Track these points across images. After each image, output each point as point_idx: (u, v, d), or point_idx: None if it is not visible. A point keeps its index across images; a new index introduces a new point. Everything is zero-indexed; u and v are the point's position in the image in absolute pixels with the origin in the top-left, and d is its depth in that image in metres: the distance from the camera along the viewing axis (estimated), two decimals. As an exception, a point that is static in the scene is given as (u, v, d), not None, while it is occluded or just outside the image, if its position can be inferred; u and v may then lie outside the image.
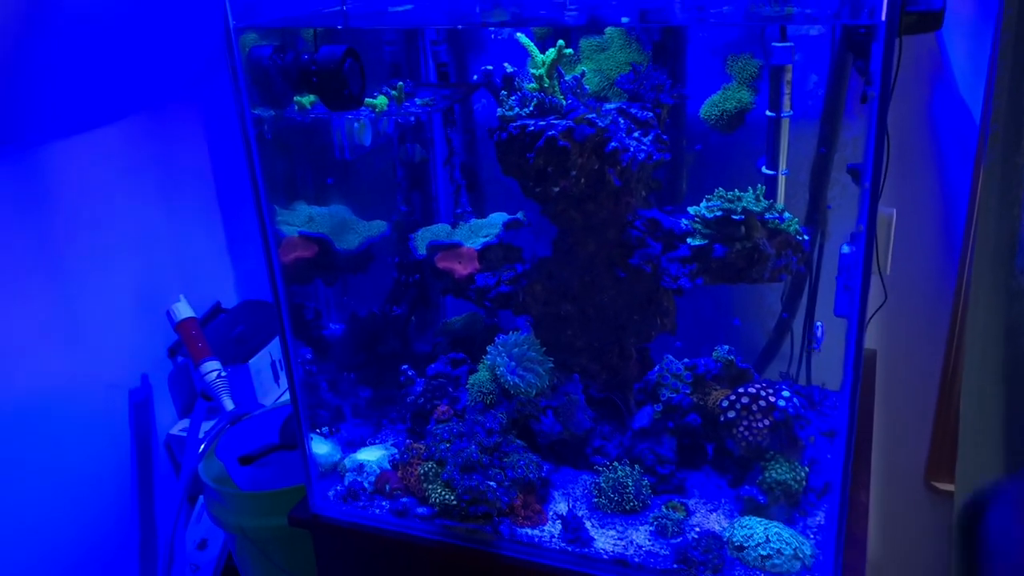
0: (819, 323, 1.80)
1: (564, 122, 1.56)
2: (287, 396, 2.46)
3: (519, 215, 1.95)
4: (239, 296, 2.85)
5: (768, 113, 1.71)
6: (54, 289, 2.14)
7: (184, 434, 2.44)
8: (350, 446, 1.92)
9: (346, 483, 1.79)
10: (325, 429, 1.90)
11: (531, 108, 1.60)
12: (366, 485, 1.78)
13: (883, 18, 1.13)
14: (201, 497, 2.41)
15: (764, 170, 1.76)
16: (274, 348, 2.61)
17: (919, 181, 2.07)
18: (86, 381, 2.25)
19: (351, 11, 1.72)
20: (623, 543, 1.59)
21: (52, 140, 2.10)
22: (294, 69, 1.60)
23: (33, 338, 2.08)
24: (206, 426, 2.35)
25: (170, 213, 2.54)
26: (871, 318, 2.16)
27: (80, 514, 2.25)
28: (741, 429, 1.62)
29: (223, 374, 2.37)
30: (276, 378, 2.65)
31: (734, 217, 1.62)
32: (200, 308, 2.60)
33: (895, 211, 2.04)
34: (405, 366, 1.91)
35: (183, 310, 2.41)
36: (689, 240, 1.69)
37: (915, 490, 2.39)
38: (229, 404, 2.34)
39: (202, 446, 2.24)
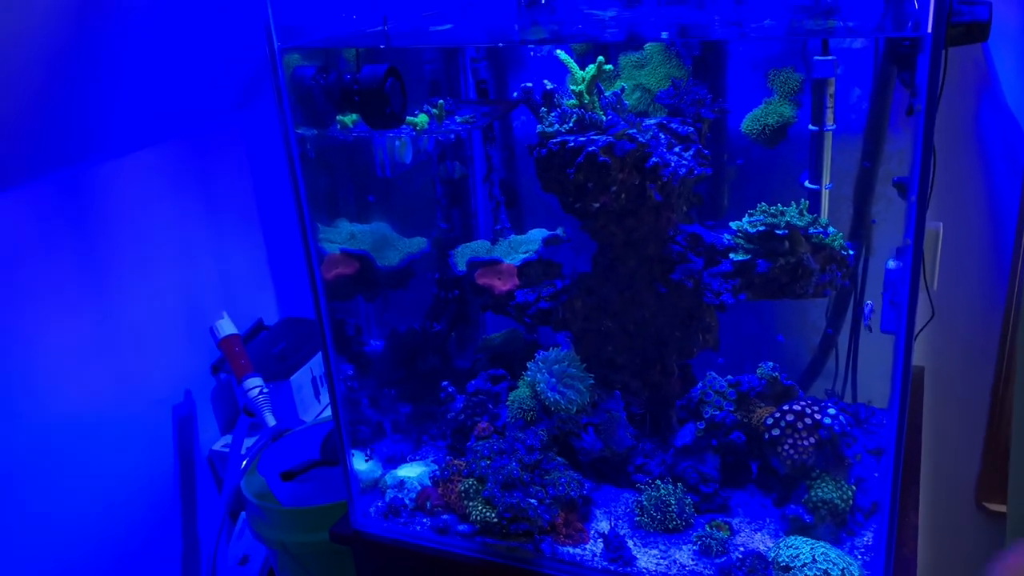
0: (869, 302, 1.74)
1: (604, 138, 1.56)
2: (328, 412, 2.48)
3: (559, 231, 1.95)
4: (281, 313, 2.88)
5: (811, 127, 1.69)
6: (100, 306, 2.18)
7: (227, 450, 2.46)
8: (391, 462, 1.92)
9: (387, 499, 1.80)
10: (368, 450, 1.90)
11: (571, 124, 1.60)
12: (407, 502, 1.78)
13: (929, 31, 1.12)
14: (243, 513, 2.43)
15: (807, 184, 1.74)
16: (315, 364, 2.63)
17: (966, 194, 2.03)
18: (131, 397, 2.29)
19: (392, 31, 1.74)
20: (666, 562, 1.57)
21: (99, 161, 2.15)
22: (337, 88, 1.62)
23: (79, 354, 2.12)
24: (248, 442, 2.37)
25: (214, 232, 2.58)
26: (918, 334, 2.12)
27: (124, 529, 2.28)
28: (786, 447, 1.59)
29: (265, 390, 2.39)
30: (317, 394, 2.66)
31: (777, 232, 1.60)
32: (243, 325, 2.63)
33: (942, 225, 2.00)
34: (445, 382, 1.91)
35: (226, 327, 2.44)
36: (732, 255, 1.67)
37: (966, 511, 2.34)
38: (271, 420, 2.36)
39: (244, 462, 2.26)
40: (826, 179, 1.72)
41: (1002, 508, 2.19)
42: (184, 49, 2.24)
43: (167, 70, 2.22)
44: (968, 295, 2.12)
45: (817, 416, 1.58)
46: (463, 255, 1.97)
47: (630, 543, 1.62)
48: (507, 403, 1.78)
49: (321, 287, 1.63)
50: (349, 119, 1.72)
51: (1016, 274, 2.04)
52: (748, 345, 1.90)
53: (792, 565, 1.49)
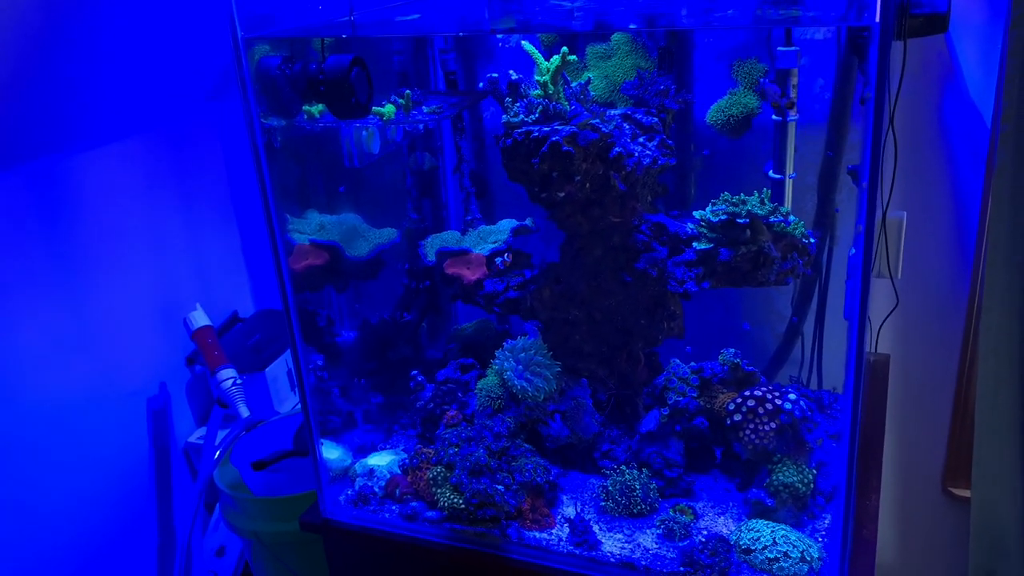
0: None
1: (568, 128, 1.57)
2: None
3: (527, 221, 1.97)
4: (256, 305, 2.88)
5: (774, 117, 1.71)
6: (74, 298, 2.18)
7: (202, 442, 2.47)
8: (361, 451, 1.93)
9: (357, 488, 1.81)
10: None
11: (536, 115, 1.61)
12: (376, 490, 1.80)
13: (876, 20, 1.14)
14: (219, 504, 2.44)
15: (771, 174, 1.76)
16: (290, 356, 2.63)
17: (930, 184, 2.06)
18: (105, 389, 2.29)
19: (359, 20, 1.75)
20: (630, 546, 1.59)
21: (73, 152, 2.15)
22: (302, 78, 1.63)
23: (54, 347, 2.12)
24: (222, 433, 2.38)
25: (188, 223, 2.57)
26: (883, 323, 2.15)
27: (99, 521, 2.28)
28: (747, 432, 1.61)
29: (238, 382, 2.40)
30: (293, 386, 2.67)
31: (739, 221, 1.62)
32: (218, 317, 2.63)
33: (905, 214, 2.03)
34: (415, 371, 1.93)
35: (199, 319, 2.44)
36: (695, 244, 1.69)
37: (932, 496, 2.37)
38: (244, 411, 2.37)
39: (217, 453, 2.26)
40: (789, 169, 1.74)
41: (966, 493, 2.23)
42: (158, 40, 2.24)
43: (141, 61, 2.22)
44: (932, 283, 2.15)
45: (778, 402, 1.60)
46: (433, 245, 1.99)
47: (595, 527, 1.64)
48: (475, 391, 1.80)
49: (288, 278, 1.64)
50: (316, 109, 1.73)
51: (980, 262, 2.07)
52: (715, 333, 1.92)
53: (753, 548, 1.52)
